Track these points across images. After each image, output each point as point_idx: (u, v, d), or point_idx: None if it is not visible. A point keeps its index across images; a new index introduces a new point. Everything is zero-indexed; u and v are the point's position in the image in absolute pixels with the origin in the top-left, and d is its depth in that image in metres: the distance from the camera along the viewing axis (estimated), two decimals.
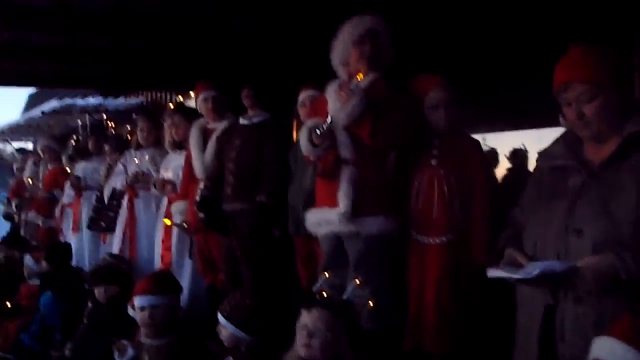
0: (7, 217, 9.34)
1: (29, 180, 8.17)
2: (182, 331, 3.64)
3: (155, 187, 5.02)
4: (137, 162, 5.35)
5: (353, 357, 2.58)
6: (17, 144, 12.40)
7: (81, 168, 6.51)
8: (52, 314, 5.02)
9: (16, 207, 8.61)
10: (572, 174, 2.12)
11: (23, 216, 8.29)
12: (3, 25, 5.21)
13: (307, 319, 2.61)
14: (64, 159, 7.16)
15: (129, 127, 6.46)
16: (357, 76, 3.14)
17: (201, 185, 4.41)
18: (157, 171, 5.18)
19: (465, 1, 4.35)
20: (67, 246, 5.87)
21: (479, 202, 3.15)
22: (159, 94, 8.19)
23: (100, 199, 5.94)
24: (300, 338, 2.56)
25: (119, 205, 5.49)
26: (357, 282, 2.97)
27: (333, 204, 3.16)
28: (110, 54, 6.36)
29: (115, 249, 5.31)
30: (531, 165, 6.72)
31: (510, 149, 7.32)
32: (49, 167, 7.60)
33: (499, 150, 7.44)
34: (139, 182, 5.26)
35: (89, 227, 6.03)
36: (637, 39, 3.50)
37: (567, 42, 2.21)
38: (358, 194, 3.13)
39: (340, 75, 3.31)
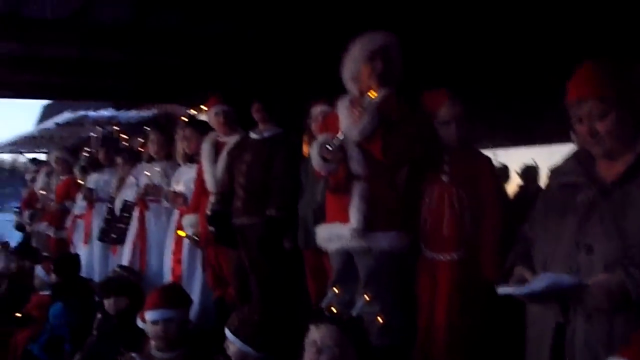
0: (19, 227, 9.40)
1: (41, 191, 8.23)
2: (193, 344, 3.64)
3: (166, 199, 5.04)
4: (148, 174, 5.37)
5: None
6: (30, 155, 12.48)
7: (93, 180, 6.54)
8: (62, 324, 5.03)
9: (28, 218, 8.67)
10: (583, 191, 2.11)
11: (34, 227, 8.34)
12: (18, 38, 5.28)
13: (315, 334, 2.59)
14: (76, 171, 7.20)
15: (140, 140, 6.49)
16: (370, 93, 3.14)
17: (212, 198, 4.42)
18: (169, 184, 5.19)
19: (477, 16, 4.37)
20: (76, 257, 5.90)
21: (489, 218, 3.14)
22: (171, 107, 8.24)
23: (111, 210, 5.97)
24: (309, 354, 2.54)
25: (130, 217, 5.50)
26: (367, 297, 2.96)
27: (344, 219, 3.16)
28: (123, 67, 6.42)
29: (125, 261, 5.32)
30: (542, 181, 6.69)
31: (522, 164, 7.28)
32: (61, 178, 7.65)
33: (510, 166, 7.41)
34: (150, 194, 5.28)
35: (100, 238, 6.05)
36: None
37: (580, 58, 2.20)
38: (369, 209, 3.13)
39: (350, 90, 3.32)
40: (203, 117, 4.93)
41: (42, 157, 11.94)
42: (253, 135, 4.26)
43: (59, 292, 5.39)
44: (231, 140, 4.49)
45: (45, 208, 7.97)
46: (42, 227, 7.69)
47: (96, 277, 5.83)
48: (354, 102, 3.20)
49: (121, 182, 5.95)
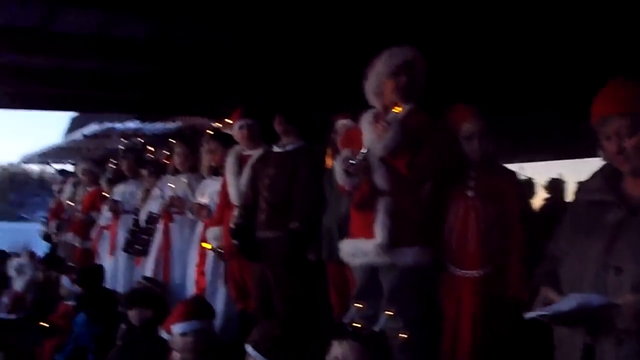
0: (46, 237, 9.53)
1: (68, 202, 8.34)
2: (219, 356, 3.65)
3: (191, 212, 5.07)
4: (173, 186, 5.42)
5: None
6: (58, 166, 12.65)
7: (119, 192, 6.60)
8: (85, 335, 5.08)
9: (55, 228, 8.79)
10: (611, 210, 2.07)
11: (61, 237, 8.44)
12: (47, 53, 5.38)
13: (338, 350, 2.58)
14: (102, 182, 7.28)
15: (165, 152, 6.55)
16: (395, 108, 3.14)
17: (236, 212, 4.43)
18: (193, 196, 5.22)
19: (503, 31, 4.34)
20: (100, 268, 5.96)
21: (515, 235, 3.11)
22: (196, 120, 8.31)
23: (136, 222, 6.02)
24: None
25: (155, 229, 5.54)
26: (390, 313, 2.94)
27: (369, 234, 3.15)
28: (149, 79, 6.50)
29: (149, 272, 5.36)
30: (569, 195, 6.62)
31: (548, 178, 7.21)
32: (88, 189, 7.74)
33: (536, 180, 7.34)
34: (174, 206, 5.32)
35: (125, 249, 6.10)
36: None
37: (607, 72, 2.18)
38: (395, 224, 3.11)
39: (373, 104, 3.32)
40: (228, 130, 4.95)
41: (69, 168, 12.11)
42: (276, 149, 4.28)
43: (83, 302, 5.45)
44: (255, 153, 4.52)
45: (71, 219, 8.07)
46: (69, 237, 7.78)
47: (120, 288, 5.87)
48: (377, 116, 3.20)
49: (146, 194, 6.00)
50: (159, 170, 6.10)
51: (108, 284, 5.99)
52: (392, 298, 3.12)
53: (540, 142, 7.78)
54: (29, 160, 14.22)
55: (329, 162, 4.18)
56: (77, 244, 7.54)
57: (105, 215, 6.75)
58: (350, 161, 3.15)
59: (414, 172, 3.13)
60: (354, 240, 3.27)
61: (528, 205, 3.74)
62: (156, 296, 4.76)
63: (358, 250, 3.21)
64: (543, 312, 2.03)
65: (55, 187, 9.95)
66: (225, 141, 4.90)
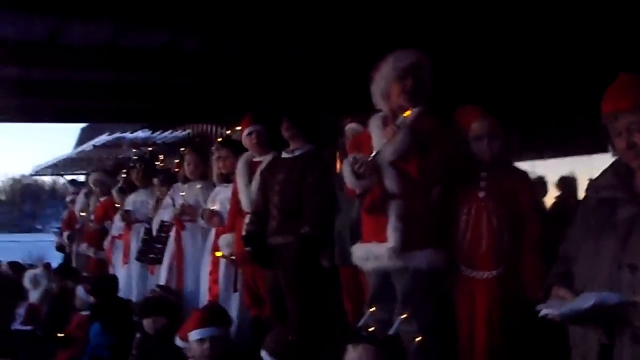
0: (60, 248, 9.59)
1: (81, 212, 8.39)
2: None
3: (202, 217, 5.08)
4: (184, 194, 5.43)
5: None
6: (69, 177, 12.75)
7: (130, 201, 6.63)
8: (101, 345, 5.09)
9: (67, 238, 8.84)
10: (623, 206, 2.05)
11: (74, 248, 8.49)
12: (57, 64, 5.42)
13: (353, 354, 2.58)
14: (114, 193, 7.32)
15: (176, 161, 6.57)
16: (405, 113, 3.13)
17: (247, 219, 4.44)
18: (205, 204, 5.23)
19: (512, 29, 4.32)
20: (113, 278, 5.98)
21: (529, 234, 3.09)
22: (206, 127, 8.35)
23: (149, 231, 6.04)
24: None
25: (167, 238, 5.56)
26: (405, 316, 2.94)
27: (381, 238, 3.14)
28: (158, 89, 6.54)
29: (162, 281, 5.38)
30: (581, 193, 6.56)
31: (559, 176, 7.14)
32: (100, 199, 7.78)
33: (548, 178, 7.28)
34: (186, 214, 5.33)
35: (138, 258, 6.13)
36: None
37: (616, 68, 2.17)
38: (406, 228, 3.10)
39: (380, 108, 3.31)
40: (237, 137, 4.96)
41: (81, 178, 12.19)
42: (284, 155, 4.28)
43: (97, 312, 5.47)
44: (264, 160, 4.52)
45: (84, 229, 8.12)
46: (82, 247, 7.83)
47: (134, 298, 5.89)
48: (386, 120, 3.19)
49: (158, 203, 6.02)
50: (170, 178, 6.12)
51: (122, 293, 6.01)
52: (406, 301, 3.10)
53: (551, 139, 7.72)
54: (40, 171, 14.33)
55: (338, 166, 4.17)
56: (91, 254, 7.58)
57: (117, 225, 6.78)
58: (359, 163, 3.14)
59: (425, 175, 3.11)
60: (366, 245, 3.26)
61: (540, 205, 3.72)
62: (170, 304, 4.77)
63: (370, 254, 3.20)
64: (558, 312, 2.01)
65: (67, 198, 10.01)
66: (235, 148, 4.92)
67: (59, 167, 12.81)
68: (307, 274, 4.03)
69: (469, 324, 3.13)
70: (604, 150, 2.34)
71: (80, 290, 6.02)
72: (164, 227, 5.66)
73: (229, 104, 6.45)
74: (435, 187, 3.31)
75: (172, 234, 5.47)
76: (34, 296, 7.17)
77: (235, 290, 4.76)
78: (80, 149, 10.91)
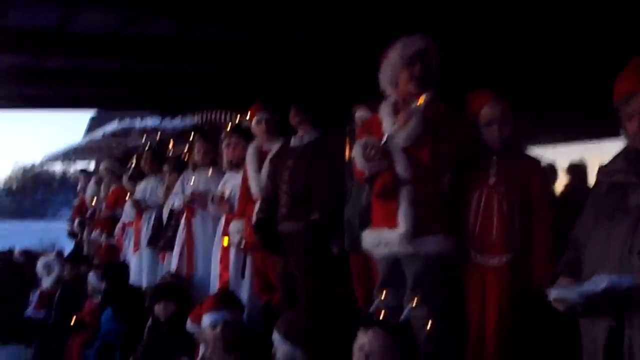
0: (72, 235, 9.68)
1: (91, 200, 8.45)
2: (248, 348, 3.69)
3: (212, 202, 5.09)
4: (194, 181, 5.45)
5: None
6: (80, 165, 12.83)
7: (141, 189, 6.66)
8: (112, 331, 5.15)
9: (79, 225, 8.91)
10: (635, 191, 2.04)
11: (86, 235, 8.56)
12: (67, 52, 5.43)
13: (364, 339, 2.60)
14: (124, 180, 7.35)
15: (186, 148, 6.59)
16: (419, 101, 3.12)
17: (257, 205, 4.45)
18: (214, 191, 5.24)
19: (523, 12, 4.28)
20: (124, 265, 6.01)
21: (540, 221, 3.07)
22: (215, 114, 8.35)
23: (159, 218, 6.07)
24: (357, 359, 2.55)
25: (177, 225, 5.58)
26: (415, 302, 2.94)
27: (392, 224, 3.12)
28: (167, 77, 6.54)
29: (173, 268, 5.41)
30: (591, 179, 6.52)
31: (570, 162, 7.10)
32: (112, 187, 7.83)
33: (558, 164, 7.24)
34: (196, 201, 5.35)
35: (149, 245, 6.16)
36: None
37: (629, 52, 2.15)
38: (417, 213, 3.09)
39: (388, 95, 3.30)
40: (247, 124, 4.96)
41: (92, 166, 12.27)
42: (294, 142, 4.28)
43: (109, 298, 5.52)
44: (274, 147, 4.53)
45: (96, 216, 8.17)
46: (95, 234, 7.88)
47: (145, 285, 5.93)
48: (397, 106, 3.18)
49: (168, 190, 6.04)
50: (180, 166, 6.14)
51: (133, 280, 6.06)
52: (416, 288, 3.10)
53: (561, 124, 7.67)
54: (51, 159, 14.42)
55: (348, 153, 4.16)
56: (102, 241, 7.63)
57: (128, 212, 6.82)
58: (370, 147, 3.13)
59: (437, 161, 3.10)
60: (376, 230, 3.25)
61: (552, 191, 3.70)
62: (181, 290, 4.81)
63: (381, 240, 3.19)
64: (570, 294, 1.99)
65: (79, 186, 10.08)
66: (245, 135, 4.92)
67: (69, 155, 12.88)
68: (318, 260, 4.04)
69: (480, 310, 3.12)
70: (614, 135, 2.33)
71: (92, 277, 6.07)
72: (175, 214, 5.69)
73: (238, 91, 6.44)
74: (446, 173, 3.30)
75: (183, 221, 5.49)
76: (46, 283, 7.26)
77: (242, 277, 4.77)
78: (90, 137, 10.96)
